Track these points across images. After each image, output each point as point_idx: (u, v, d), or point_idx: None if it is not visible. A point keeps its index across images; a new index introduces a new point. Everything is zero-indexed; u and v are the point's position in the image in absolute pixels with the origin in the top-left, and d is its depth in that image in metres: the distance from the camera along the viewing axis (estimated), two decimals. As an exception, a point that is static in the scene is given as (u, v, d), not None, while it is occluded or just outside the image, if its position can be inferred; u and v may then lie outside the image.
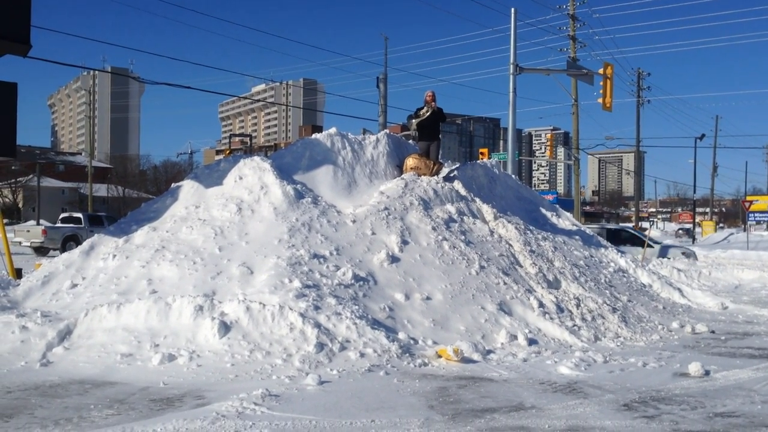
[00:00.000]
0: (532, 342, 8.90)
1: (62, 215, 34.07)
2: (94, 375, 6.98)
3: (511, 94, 22.38)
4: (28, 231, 31.20)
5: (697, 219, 64.74)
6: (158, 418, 5.55)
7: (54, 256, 18.85)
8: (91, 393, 6.35)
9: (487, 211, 12.73)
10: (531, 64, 26.67)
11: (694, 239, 48.49)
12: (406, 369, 7.46)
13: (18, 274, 13.24)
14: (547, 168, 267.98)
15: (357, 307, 8.69)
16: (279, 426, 5.37)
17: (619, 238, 23.71)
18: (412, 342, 8.35)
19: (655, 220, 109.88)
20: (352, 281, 9.35)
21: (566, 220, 16.69)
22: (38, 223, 56.37)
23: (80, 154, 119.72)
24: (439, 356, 7.90)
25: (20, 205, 76.20)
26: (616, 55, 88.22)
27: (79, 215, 32.20)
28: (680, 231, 71.29)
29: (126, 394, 6.29)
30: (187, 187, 11.78)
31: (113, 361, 7.35)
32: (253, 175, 11.43)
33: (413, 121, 13.55)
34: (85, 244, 10.80)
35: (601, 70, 25.00)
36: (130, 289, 9.07)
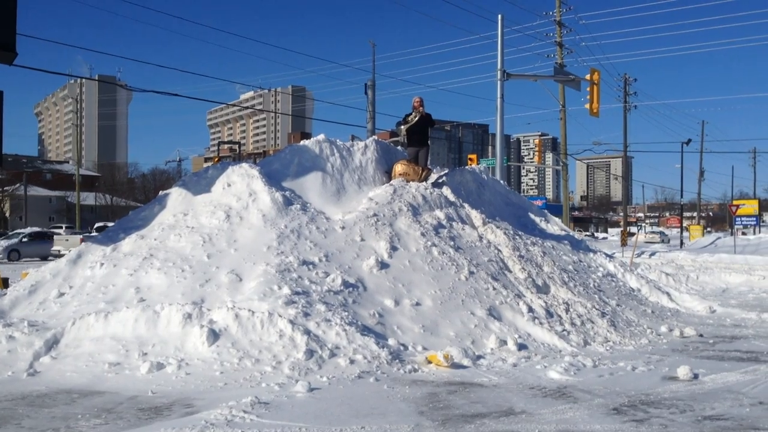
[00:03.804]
0: (521, 347, 8.91)
1: (97, 224, 36.53)
2: (81, 384, 6.93)
3: (498, 100, 22.43)
4: (67, 240, 34.38)
5: (685, 223, 65.14)
6: (146, 427, 5.52)
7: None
8: (78, 402, 6.30)
9: (476, 216, 12.76)
10: (518, 71, 26.82)
11: (681, 243, 48.71)
12: (396, 375, 7.45)
13: (4, 283, 13.16)
14: (536, 173, 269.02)
15: (346, 313, 8.68)
16: (268, 434, 5.34)
17: None
18: (402, 348, 8.34)
19: (643, 224, 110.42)
20: (342, 287, 9.33)
21: (555, 225, 16.75)
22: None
23: (67, 162, 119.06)
24: (429, 362, 7.89)
25: (7, 214, 75.62)
26: (602, 61, 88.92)
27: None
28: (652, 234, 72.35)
29: (114, 404, 6.24)
30: (175, 195, 11.73)
31: (101, 371, 7.30)
32: (241, 182, 11.40)
33: (402, 127, 13.58)
34: (72, 252, 10.73)
35: (587, 76, 25.12)
36: (117, 298, 9.01)
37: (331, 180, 12.36)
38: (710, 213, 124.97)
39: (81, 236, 32.28)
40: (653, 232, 76.71)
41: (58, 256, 32.38)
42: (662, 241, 64.08)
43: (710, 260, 24.01)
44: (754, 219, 49.00)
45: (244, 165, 12.00)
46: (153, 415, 5.89)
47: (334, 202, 11.96)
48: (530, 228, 15.14)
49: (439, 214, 12.16)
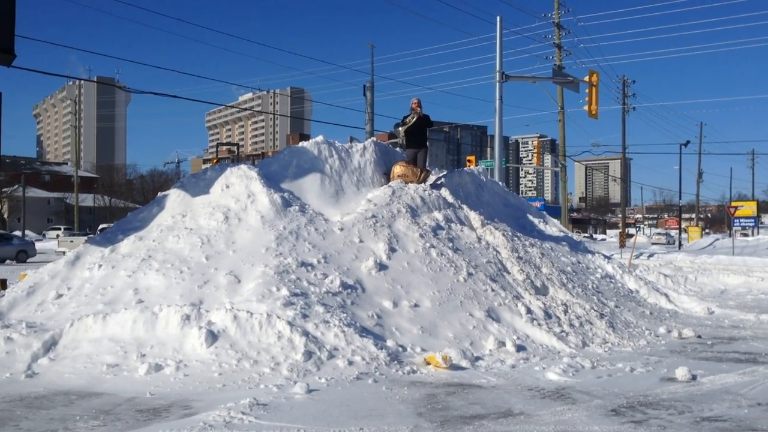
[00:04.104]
0: (520, 348, 8.91)
1: (101, 225, 37.04)
2: (79, 386, 6.92)
3: (497, 102, 22.47)
4: (72, 241, 34.57)
5: (683, 225, 65.22)
6: (145, 429, 5.51)
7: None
8: (76, 404, 6.29)
9: (474, 218, 12.76)
10: (517, 72, 26.81)
11: (680, 245, 48.74)
12: (395, 376, 7.44)
13: (3, 284, 13.15)
14: (534, 175, 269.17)
15: (345, 314, 8.68)
16: (267, 435, 5.34)
17: None
18: (400, 349, 8.34)
19: (642, 226, 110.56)
20: (340, 289, 9.33)
21: (553, 227, 16.76)
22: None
23: (66, 163, 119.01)
24: (428, 363, 7.89)
25: (5, 216, 75.56)
26: (601, 62, 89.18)
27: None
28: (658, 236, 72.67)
29: (112, 405, 6.24)
30: (174, 196, 11.73)
31: (99, 372, 7.29)
32: (240, 184, 11.40)
33: (400, 128, 13.58)
34: (71, 254, 10.72)
35: (586, 78, 25.16)
36: (116, 299, 9.00)
37: (329, 181, 12.37)
38: (709, 214, 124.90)
39: (86, 238, 32.31)
40: (659, 234, 77.22)
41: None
42: (668, 243, 64.28)
43: (709, 262, 24.06)
44: (753, 220, 49.15)
45: (243, 166, 12.00)
46: (151, 417, 5.88)
47: (333, 203, 11.96)
48: (529, 229, 15.14)
49: (438, 215, 12.17)
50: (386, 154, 14.16)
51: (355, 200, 12.18)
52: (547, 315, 10.22)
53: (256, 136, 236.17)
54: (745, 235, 54.23)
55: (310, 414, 5.95)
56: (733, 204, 48.58)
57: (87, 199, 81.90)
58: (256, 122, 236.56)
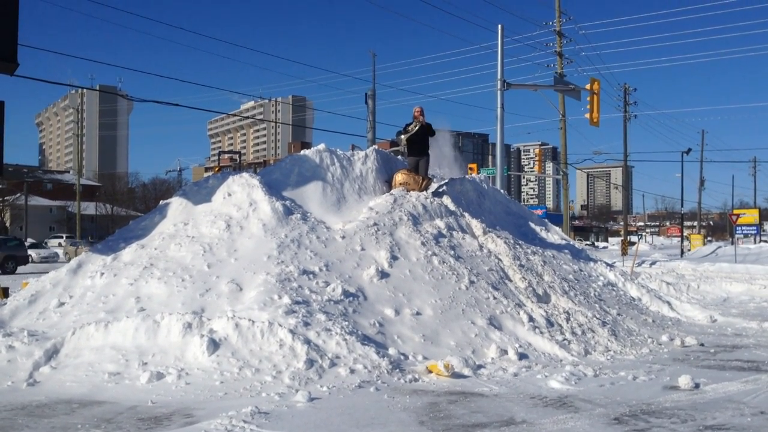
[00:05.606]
0: (522, 356, 8.90)
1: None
2: (81, 394, 6.92)
3: (499, 110, 22.47)
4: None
5: (686, 233, 65.09)
6: (146, 437, 5.50)
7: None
8: (78, 412, 6.29)
9: (476, 225, 12.76)
10: (519, 80, 26.88)
11: (682, 253, 48.63)
12: (397, 385, 7.43)
13: (5, 293, 13.16)
14: (536, 183, 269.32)
15: (347, 323, 8.67)
16: (268, 444, 5.32)
17: None
18: (402, 357, 8.32)
19: (644, 233, 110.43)
20: (342, 297, 9.33)
21: (555, 235, 16.75)
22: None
23: (68, 172, 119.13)
24: (430, 371, 7.87)
25: (8, 224, 75.62)
26: (602, 70, 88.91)
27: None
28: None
29: (114, 414, 6.23)
30: (176, 204, 11.74)
31: (101, 380, 7.29)
32: (241, 192, 11.42)
33: (402, 137, 13.60)
34: (73, 262, 10.73)
35: (588, 86, 25.18)
36: (118, 307, 9.00)
37: (331, 189, 12.38)
38: (711, 222, 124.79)
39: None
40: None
41: None
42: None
43: (711, 269, 23.96)
44: (755, 228, 48.97)
45: (245, 175, 12.02)
46: (153, 425, 5.87)
47: (335, 211, 11.97)
48: (530, 237, 15.13)
49: (440, 223, 12.17)
50: (388, 162, 14.18)
51: (356, 208, 12.19)
52: (549, 323, 10.20)
53: (257, 144, 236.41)
54: (766, 241, 53.09)
55: (311, 422, 5.94)
56: (736, 212, 48.47)
57: (89, 208, 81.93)
58: (257, 130, 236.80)
